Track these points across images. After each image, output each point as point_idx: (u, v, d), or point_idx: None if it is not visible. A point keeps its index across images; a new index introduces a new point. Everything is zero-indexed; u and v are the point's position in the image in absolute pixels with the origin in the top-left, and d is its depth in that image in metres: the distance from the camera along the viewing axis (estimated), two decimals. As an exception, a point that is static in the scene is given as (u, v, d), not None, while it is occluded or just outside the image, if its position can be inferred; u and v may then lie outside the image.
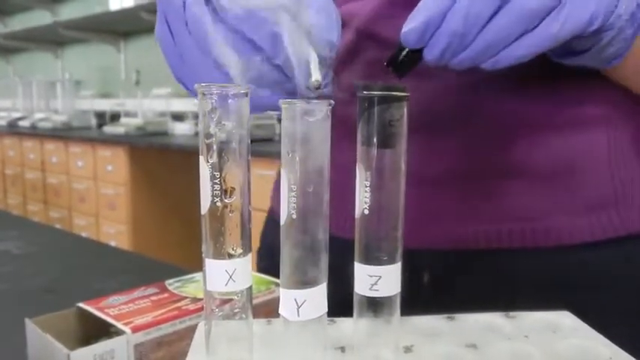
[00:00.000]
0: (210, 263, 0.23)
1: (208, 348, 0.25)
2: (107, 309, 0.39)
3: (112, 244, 2.49)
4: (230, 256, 0.23)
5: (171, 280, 0.46)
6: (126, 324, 0.37)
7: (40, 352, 0.39)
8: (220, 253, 0.23)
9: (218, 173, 0.23)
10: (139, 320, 0.37)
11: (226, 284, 0.23)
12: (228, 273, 0.23)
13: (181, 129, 2.71)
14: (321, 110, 0.23)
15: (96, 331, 0.39)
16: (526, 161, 0.42)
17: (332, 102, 0.24)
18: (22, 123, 3.44)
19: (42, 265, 0.72)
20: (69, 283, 0.65)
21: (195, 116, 2.75)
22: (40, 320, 0.40)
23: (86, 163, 2.74)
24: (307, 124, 0.23)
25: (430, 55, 0.29)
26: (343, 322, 0.30)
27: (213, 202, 0.23)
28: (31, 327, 0.39)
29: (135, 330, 0.36)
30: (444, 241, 0.43)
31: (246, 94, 0.24)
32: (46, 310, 0.54)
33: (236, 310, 0.24)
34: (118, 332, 0.37)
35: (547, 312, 0.33)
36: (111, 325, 0.37)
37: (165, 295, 0.43)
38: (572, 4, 0.29)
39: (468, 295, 0.43)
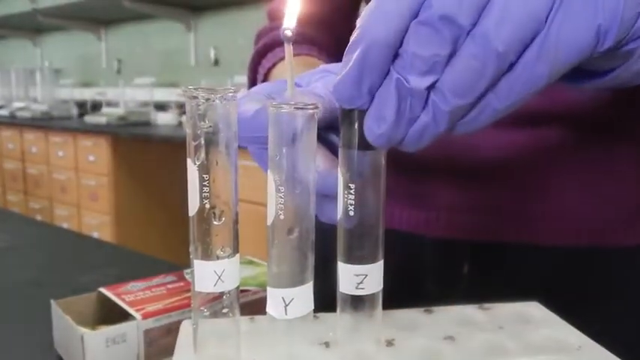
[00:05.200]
0: (198, 264, 0.24)
1: (196, 346, 0.25)
2: (124, 295, 0.42)
3: (95, 235, 2.47)
4: (218, 257, 0.24)
5: (188, 270, 0.47)
6: (138, 310, 0.39)
7: (61, 332, 0.42)
8: (209, 255, 0.24)
9: (206, 175, 0.24)
10: (151, 307, 0.40)
11: (215, 285, 0.24)
12: (216, 274, 0.23)
13: (164, 119, 2.69)
14: (307, 113, 0.24)
15: (117, 313, 0.41)
16: (574, 164, 0.43)
17: (318, 105, 0.24)
18: (0, 112, 3.38)
19: (27, 259, 0.72)
20: (55, 277, 0.65)
21: (179, 106, 2.74)
22: (63, 302, 0.42)
23: (67, 154, 2.71)
24: (293, 126, 0.24)
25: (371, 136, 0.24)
26: (326, 318, 0.31)
27: (201, 204, 0.24)
28: (54, 308, 0.42)
29: (145, 316, 0.39)
30: (485, 234, 0.45)
31: (233, 97, 0.25)
32: (32, 304, 0.54)
33: (224, 310, 0.24)
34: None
35: (518, 303, 0.34)
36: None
37: (182, 283, 0.45)
38: (563, 22, 0.21)
39: (504, 288, 0.44)
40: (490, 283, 0.45)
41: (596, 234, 0.44)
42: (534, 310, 0.33)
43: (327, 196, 0.26)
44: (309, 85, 0.30)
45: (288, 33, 0.26)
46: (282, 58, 0.49)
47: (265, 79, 0.50)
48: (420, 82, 0.22)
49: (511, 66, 0.22)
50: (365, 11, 0.23)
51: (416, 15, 0.22)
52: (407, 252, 0.48)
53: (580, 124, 0.43)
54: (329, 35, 0.53)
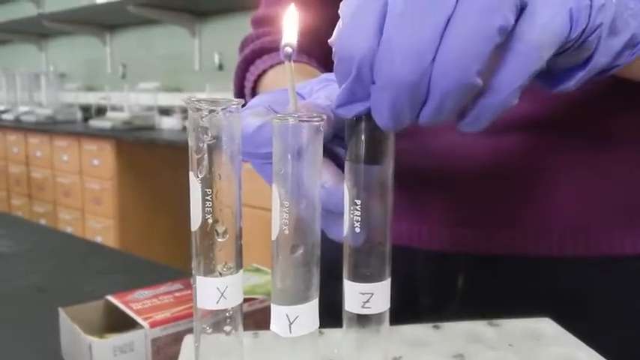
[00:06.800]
0: (200, 280, 0.23)
1: (199, 362, 0.25)
2: (132, 303, 0.42)
3: (98, 239, 2.47)
4: (221, 273, 0.23)
5: None
6: (145, 319, 0.39)
7: (69, 340, 0.42)
8: (211, 271, 0.23)
9: (209, 189, 0.23)
10: (158, 316, 0.39)
11: (217, 302, 0.23)
12: (219, 290, 0.23)
13: (168, 123, 2.69)
14: (313, 125, 0.23)
15: (123, 321, 0.41)
16: (569, 170, 0.42)
17: (324, 117, 0.24)
18: (5, 116, 3.39)
19: (32, 264, 0.72)
20: (59, 283, 0.65)
21: (183, 111, 2.74)
22: (70, 310, 0.42)
23: (71, 158, 2.71)
24: (299, 139, 0.23)
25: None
26: (332, 334, 0.30)
27: (203, 219, 0.23)
28: (62, 316, 0.42)
29: (153, 325, 0.39)
30: (479, 246, 0.44)
31: (237, 109, 0.24)
32: (37, 310, 0.54)
33: (227, 328, 0.24)
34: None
35: (529, 319, 0.34)
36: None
37: (189, 291, 0.45)
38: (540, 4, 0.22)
39: (500, 301, 0.43)
40: (486, 297, 0.44)
41: (594, 243, 0.43)
42: (545, 326, 0.32)
43: (334, 213, 0.26)
44: (311, 94, 0.29)
45: (289, 50, 0.25)
46: (271, 66, 0.49)
47: (254, 86, 0.50)
48: (410, 75, 0.21)
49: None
50: (337, 30, 0.23)
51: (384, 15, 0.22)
52: (400, 266, 0.46)
53: (576, 130, 0.42)
54: (316, 42, 0.52)
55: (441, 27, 0.21)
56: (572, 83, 0.26)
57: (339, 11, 0.23)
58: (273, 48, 0.51)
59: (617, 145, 0.43)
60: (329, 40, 0.23)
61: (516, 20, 0.22)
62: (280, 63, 0.49)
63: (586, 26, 0.23)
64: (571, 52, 0.24)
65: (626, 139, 0.43)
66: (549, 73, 0.26)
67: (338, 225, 0.26)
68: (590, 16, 0.23)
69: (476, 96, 0.22)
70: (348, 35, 0.22)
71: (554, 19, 0.22)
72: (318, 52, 0.52)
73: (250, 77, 0.50)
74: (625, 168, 0.43)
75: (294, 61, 0.50)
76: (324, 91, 0.29)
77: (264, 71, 0.49)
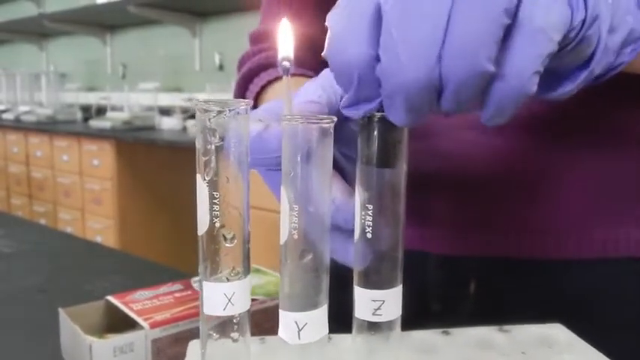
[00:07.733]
0: (207, 286, 0.23)
1: (205, 369, 0.24)
2: (132, 303, 0.42)
3: (98, 239, 2.47)
4: (228, 279, 0.23)
5: (196, 278, 0.47)
6: (146, 319, 0.39)
7: (69, 340, 0.42)
8: (218, 276, 0.23)
9: (216, 192, 0.23)
10: (159, 316, 0.39)
11: (225, 308, 0.22)
12: (226, 296, 0.22)
13: (169, 124, 2.69)
14: (323, 127, 0.23)
15: (124, 321, 0.41)
16: (578, 171, 0.42)
17: (334, 118, 0.23)
18: (5, 116, 3.39)
19: (32, 265, 0.71)
20: (60, 284, 0.64)
21: (183, 111, 2.73)
22: (71, 310, 0.42)
23: (71, 158, 2.71)
24: (308, 142, 0.23)
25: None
26: (341, 340, 0.29)
27: (211, 223, 0.22)
28: (62, 316, 0.42)
29: (153, 326, 0.38)
30: (487, 249, 0.43)
31: (246, 110, 0.23)
32: (37, 311, 0.54)
33: (234, 335, 0.23)
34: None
35: (541, 325, 0.33)
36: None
37: (189, 292, 0.45)
38: None
39: (514, 305, 0.42)
40: (496, 300, 0.44)
41: (600, 244, 0.42)
42: (558, 332, 0.32)
43: (340, 231, 0.25)
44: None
45: (287, 64, 0.25)
46: (270, 82, 0.48)
47: (255, 103, 0.49)
48: (418, 76, 0.20)
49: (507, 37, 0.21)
50: (329, 41, 0.22)
51: (379, 17, 0.21)
52: (408, 270, 0.46)
53: (586, 130, 0.42)
54: (313, 53, 0.51)
55: (443, 19, 0.20)
56: (574, 85, 0.25)
57: (326, 23, 0.22)
58: (270, 64, 0.51)
59: (625, 145, 0.42)
60: (322, 54, 0.23)
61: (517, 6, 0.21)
62: (278, 79, 0.49)
63: (585, 16, 0.22)
64: (573, 47, 0.23)
65: (632, 136, 0.42)
66: (551, 75, 0.25)
67: (345, 245, 0.25)
68: (586, 7, 0.22)
69: (493, 84, 0.21)
70: (341, 45, 0.22)
71: (554, 2, 0.21)
72: (315, 63, 0.51)
73: (249, 95, 0.50)
74: (631, 167, 0.43)
75: (292, 75, 0.50)
76: (316, 81, 0.28)
77: (263, 88, 0.49)
